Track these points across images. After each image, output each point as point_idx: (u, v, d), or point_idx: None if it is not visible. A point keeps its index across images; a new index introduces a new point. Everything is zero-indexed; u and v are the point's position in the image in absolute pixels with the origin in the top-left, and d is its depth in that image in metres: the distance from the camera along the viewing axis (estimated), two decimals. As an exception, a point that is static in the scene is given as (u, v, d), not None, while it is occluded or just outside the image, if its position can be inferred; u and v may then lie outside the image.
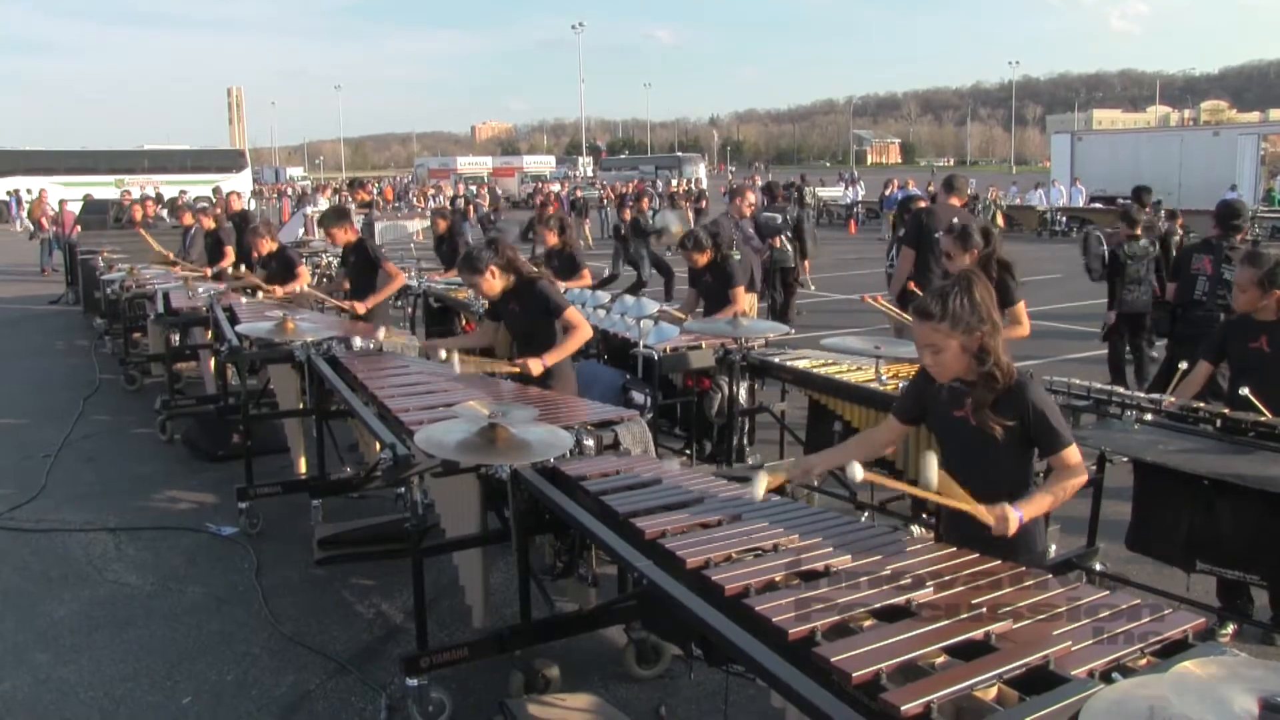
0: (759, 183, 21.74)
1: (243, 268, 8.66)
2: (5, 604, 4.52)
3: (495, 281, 4.52)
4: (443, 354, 4.43)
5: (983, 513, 2.49)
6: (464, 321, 7.72)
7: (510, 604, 4.10)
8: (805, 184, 24.63)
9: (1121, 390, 4.05)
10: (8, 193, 35.11)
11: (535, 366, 4.44)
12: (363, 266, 6.82)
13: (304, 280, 7.82)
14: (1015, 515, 2.49)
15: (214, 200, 17.04)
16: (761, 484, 2.67)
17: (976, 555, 2.52)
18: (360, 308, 6.65)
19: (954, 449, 2.78)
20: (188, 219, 12.22)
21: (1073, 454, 2.63)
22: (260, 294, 7.53)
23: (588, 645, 3.87)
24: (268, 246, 7.94)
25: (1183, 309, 6.13)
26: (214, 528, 5.35)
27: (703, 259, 6.14)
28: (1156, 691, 1.47)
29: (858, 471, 2.49)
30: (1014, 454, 2.67)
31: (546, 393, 4.42)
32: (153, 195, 16.01)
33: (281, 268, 7.81)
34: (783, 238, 10.60)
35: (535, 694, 3.47)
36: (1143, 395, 4.02)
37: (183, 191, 21.33)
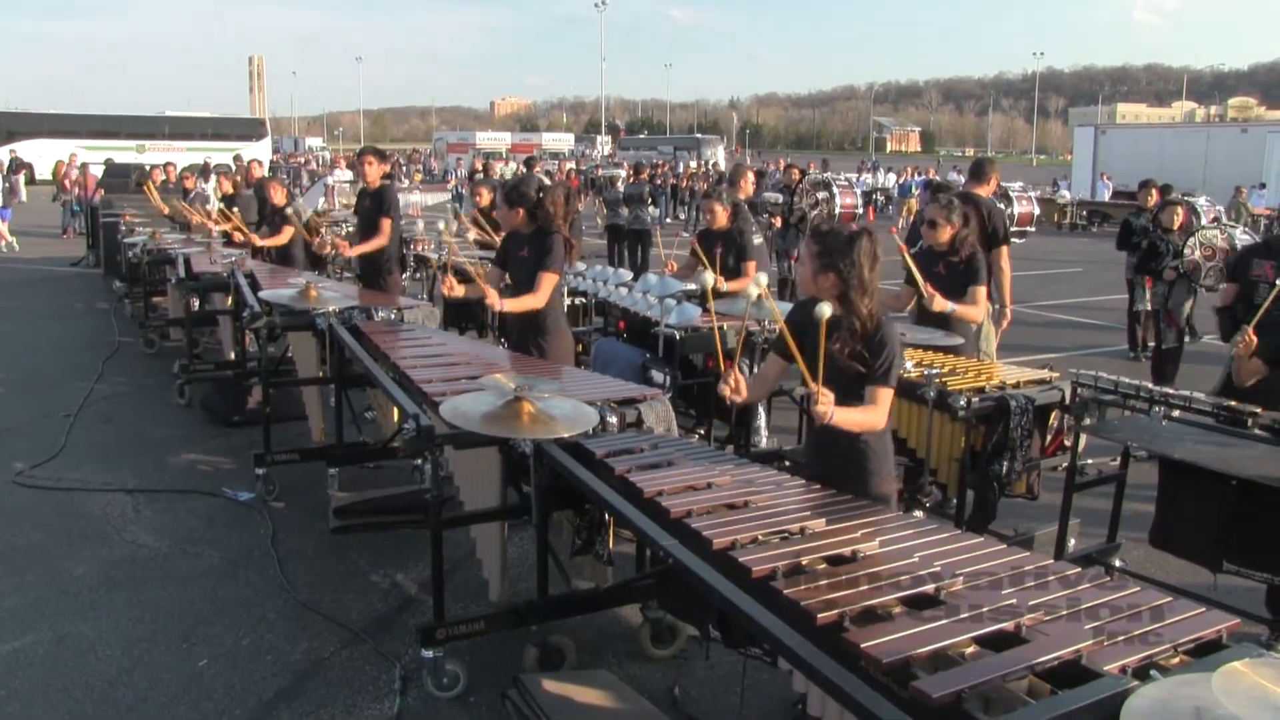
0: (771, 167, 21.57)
1: (220, 206, 9.71)
2: (28, 559, 4.55)
3: (518, 222, 4.78)
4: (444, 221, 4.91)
5: (814, 385, 2.73)
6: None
7: (526, 579, 4.10)
8: (826, 169, 24.41)
9: (1149, 386, 4.01)
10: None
11: (495, 302, 4.63)
12: (373, 213, 6.87)
13: (287, 238, 8.33)
14: (831, 409, 2.73)
15: (234, 167, 17.07)
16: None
17: (1003, 546, 2.53)
18: (346, 249, 7.26)
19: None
20: (190, 183, 12.54)
21: (885, 395, 2.89)
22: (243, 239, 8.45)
23: (603, 623, 3.87)
24: (277, 198, 8.53)
25: (1242, 316, 5.79)
26: (231, 492, 5.37)
27: (724, 216, 5.96)
28: (1201, 692, 1.44)
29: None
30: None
31: (565, 367, 4.43)
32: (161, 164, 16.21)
33: (276, 222, 8.42)
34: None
35: (550, 670, 3.47)
36: (1171, 391, 3.97)
37: (207, 160, 21.34)
